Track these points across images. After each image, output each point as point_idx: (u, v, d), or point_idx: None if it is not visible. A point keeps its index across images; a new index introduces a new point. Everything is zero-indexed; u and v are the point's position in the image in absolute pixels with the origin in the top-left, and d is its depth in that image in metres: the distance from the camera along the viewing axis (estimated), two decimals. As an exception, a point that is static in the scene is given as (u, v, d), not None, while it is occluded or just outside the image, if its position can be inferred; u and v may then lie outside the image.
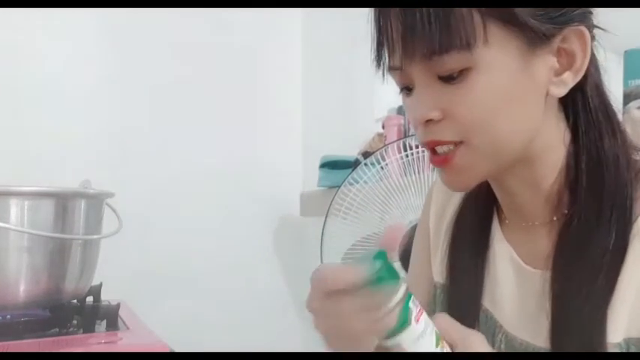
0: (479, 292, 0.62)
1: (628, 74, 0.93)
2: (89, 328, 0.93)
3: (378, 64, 0.57)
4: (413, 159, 1.13)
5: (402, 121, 1.45)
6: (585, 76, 0.54)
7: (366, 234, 1.18)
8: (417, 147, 1.13)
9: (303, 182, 1.81)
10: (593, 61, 0.55)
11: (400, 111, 1.78)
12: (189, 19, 1.65)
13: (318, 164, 1.58)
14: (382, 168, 1.18)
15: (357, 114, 1.67)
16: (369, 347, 0.46)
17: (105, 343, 0.86)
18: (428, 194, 0.76)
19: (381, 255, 0.45)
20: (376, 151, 1.22)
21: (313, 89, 1.85)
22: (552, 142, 0.56)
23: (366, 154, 1.38)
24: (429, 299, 0.70)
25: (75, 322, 0.97)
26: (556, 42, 0.52)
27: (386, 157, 1.18)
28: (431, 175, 1.10)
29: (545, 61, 0.52)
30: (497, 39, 0.50)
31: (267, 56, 1.81)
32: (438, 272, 0.69)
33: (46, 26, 1.49)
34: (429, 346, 0.46)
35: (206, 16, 1.67)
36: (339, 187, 1.25)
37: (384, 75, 0.58)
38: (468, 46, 0.49)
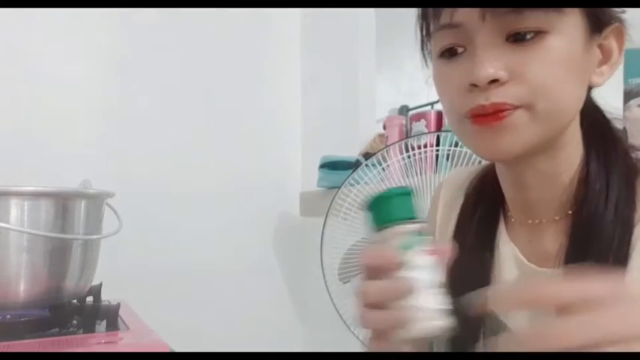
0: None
1: (628, 73, 0.95)
2: (89, 328, 0.92)
3: (430, 22, 0.55)
4: (415, 160, 1.13)
5: (404, 122, 1.45)
6: (591, 88, 0.57)
7: (366, 235, 1.18)
8: (418, 148, 1.13)
9: (303, 182, 1.81)
10: None
11: (402, 111, 1.78)
12: (189, 19, 1.65)
13: (318, 164, 1.58)
14: (383, 169, 1.17)
15: (358, 114, 1.66)
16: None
17: (105, 343, 0.85)
18: (435, 192, 0.76)
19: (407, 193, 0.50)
20: (377, 152, 1.22)
21: (313, 89, 1.84)
22: (575, 137, 0.57)
23: (367, 155, 1.38)
24: None
25: (75, 322, 0.96)
26: (602, 37, 0.55)
27: (387, 158, 1.18)
28: (433, 177, 1.10)
29: (595, 50, 0.55)
30: (573, 12, 0.52)
31: (267, 56, 1.81)
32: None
33: (48, 26, 1.49)
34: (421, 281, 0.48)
35: (206, 16, 1.67)
36: (340, 187, 1.25)
37: (423, 38, 0.57)
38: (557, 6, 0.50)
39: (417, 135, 1.23)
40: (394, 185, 1.14)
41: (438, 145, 1.14)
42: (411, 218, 0.49)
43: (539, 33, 0.50)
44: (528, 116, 0.52)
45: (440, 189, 0.75)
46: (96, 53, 1.55)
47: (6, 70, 1.44)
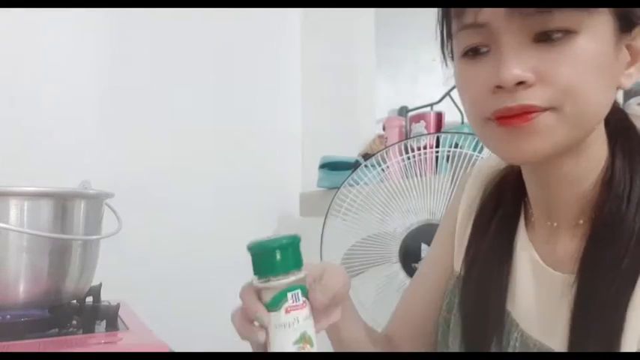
0: (504, 293, 0.61)
1: None
2: (89, 329, 0.92)
3: (453, 21, 0.54)
4: (414, 161, 1.13)
5: (403, 123, 1.45)
6: None
7: (365, 235, 1.18)
8: (418, 149, 1.13)
9: (303, 182, 1.81)
10: None
11: (401, 112, 1.78)
12: (188, 19, 1.65)
13: (318, 164, 1.58)
14: (383, 170, 1.17)
15: (358, 115, 1.66)
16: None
17: (105, 343, 0.85)
18: (460, 184, 0.75)
19: (293, 240, 0.56)
20: (377, 152, 1.22)
21: (313, 89, 1.84)
22: (599, 138, 0.56)
23: (367, 156, 1.38)
24: (449, 287, 0.70)
25: (75, 322, 0.96)
26: (629, 38, 0.53)
27: (387, 159, 1.17)
28: (432, 178, 1.10)
29: (623, 51, 0.53)
30: (604, 12, 0.50)
31: (267, 56, 1.81)
32: (460, 264, 0.68)
33: (47, 26, 1.49)
34: (285, 339, 0.53)
35: (205, 16, 1.67)
36: (339, 187, 1.25)
37: (443, 40, 0.56)
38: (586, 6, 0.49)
39: (417, 136, 1.23)
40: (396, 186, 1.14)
41: (437, 146, 1.14)
42: (285, 271, 0.54)
43: (567, 33, 0.49)
44: (556, 118, 0.50)
45: (465, 181, 0.74)
46: (96, 53, 1.55)
47: (6, 70, 1.44)
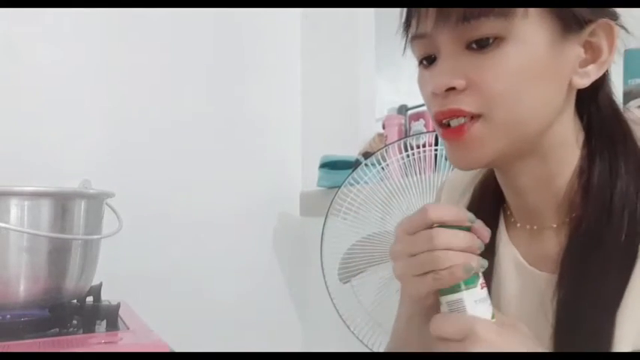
0: None
1: (628, 73, 0.93)
2: (89, 328, 0.92)
3: (405, 32, 0.56)
4: (414, 159, 1.13)
5: (403, 121, 1.45)
6: (599, 87, 0.55)
7: (366, 234, 1.18)
8: (417, 147, 1.13)
9: (303, 182, 1.81)
10: (607, 72, 0.56)
11: (401, 111, 1.78)
12: (189, 19, 1.65)
13: (318, 164, 1.58)
14: (383, 169, 1.17)
15: (358, 114, 1.66)
16: (430, 295, 0.52)
17: (105, 343, 0.85)
18: (437, 193, 0.76)
19: None
20: (377, 151, 1.22)
21: (313, 89, 1.85)
22: (567, 139, 0.56)
23: (367, 155, 1.38)
24: None
25: (75, 322, 0.96)
26: (585, 34, 0.52)
27: (387, 157, 1.18)
28: (432, 176, 1.10)
29: (573, 50, 0.52)
30: (536, 13, 0.50)
31: (266, 56, 1.81)
32: None
33: (46, 26, 1.49)
34: (485, 313, 0.50)
35: (205, 17, 1.67)
36: (340, 187, 1.25)
37: (405, 47, 0.58)
38: (507, 13, 0.49)
39: (416, 134, 1.23)
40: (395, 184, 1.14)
41: (437, 144, 1.14)
42: None
43: (496, 40, 0.50)
44: (487, 127, 0.52)
45: (441, 192, 0.75)
46: (97, 54, 1.55)
47: (6, 70, 1.44)
